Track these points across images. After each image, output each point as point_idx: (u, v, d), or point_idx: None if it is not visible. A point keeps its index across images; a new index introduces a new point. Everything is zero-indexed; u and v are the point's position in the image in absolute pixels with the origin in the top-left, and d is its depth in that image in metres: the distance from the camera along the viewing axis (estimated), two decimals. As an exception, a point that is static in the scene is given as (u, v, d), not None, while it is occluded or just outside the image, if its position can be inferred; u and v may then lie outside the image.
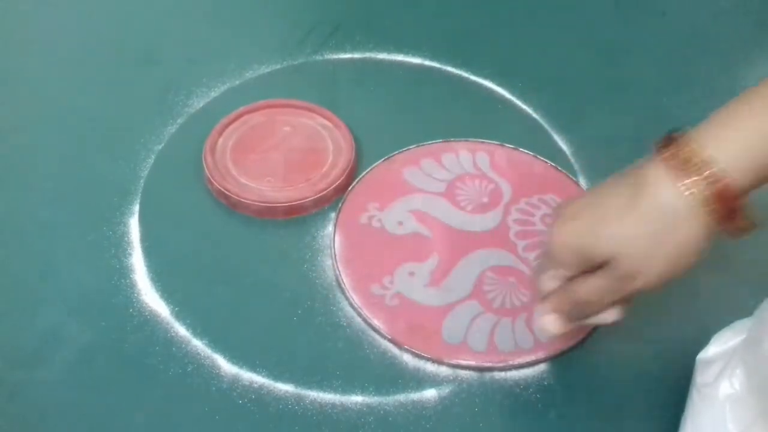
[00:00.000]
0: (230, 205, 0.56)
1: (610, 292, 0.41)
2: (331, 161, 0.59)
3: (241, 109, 0.62)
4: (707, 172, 0.37)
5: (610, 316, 0.42)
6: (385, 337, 0.49)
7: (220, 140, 0.60)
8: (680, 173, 0.38)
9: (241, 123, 0.61)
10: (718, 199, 0.37)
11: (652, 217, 0.38)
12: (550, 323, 0.43)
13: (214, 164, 0.57)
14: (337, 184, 0.57)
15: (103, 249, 0.54)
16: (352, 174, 0.59)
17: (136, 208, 0.56)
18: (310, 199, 0.56)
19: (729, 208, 0.38)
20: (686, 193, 0.37)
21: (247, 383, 0.47)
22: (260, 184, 0.57)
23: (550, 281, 0.43)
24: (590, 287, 0.41)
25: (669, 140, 0.39)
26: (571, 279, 0.42)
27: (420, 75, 0.69)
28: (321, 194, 0.56)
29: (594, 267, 0.40)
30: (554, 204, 0.58)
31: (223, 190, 0.56)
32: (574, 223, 0.41)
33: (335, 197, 0.58)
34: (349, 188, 0.58)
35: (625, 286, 0.40)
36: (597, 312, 0.42)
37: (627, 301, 0.42)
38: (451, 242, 0.55)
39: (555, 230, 0.41)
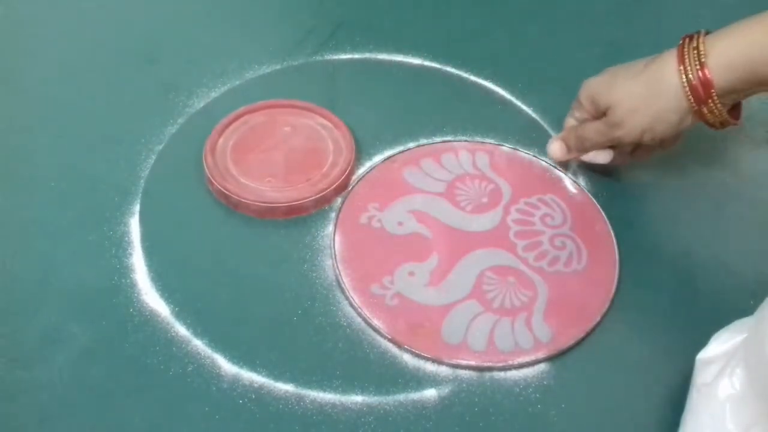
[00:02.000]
0: (231, 206, 0.56)
1: (600, 134, 0.54)
2: (332, 161, 0.59)
3: (242, 109, 0.62)
4: (697, 62, 0.47)
5: (601, 156, 0.56)
6: (385, 337, 0.49)
7: (221, 140, 0.60)
8: (683, 59, 0.48)
9: (242, 123, 0.61)
10: (695, 85, 0.48)
11: (649, 83, 0.50)
12: (555, 146, 0.58)
13: (214, 164, 0.57)
14: (337, 184, 0.57)
15: (103, 249, 0.54)
16: (351, 174, 0.59)
17: (137, 208, 0.57)
18: (310, 199, 0.56)
19: (703, 96, 0.48)
20: (680, 74, 0.48)
21: (247, 383, 0.47)
22: (261, 185, 0.57)
23: (570, 120, 0.58)
24: (590, 127, 0.55)
25: (691, 35, 0.49)
26: (583, 122, 0.56)
27: (420, 75, 0.69)
28: (321, 194, 0.56)
29: (600, 114, 0.54)
30: (554, 204, 0.58)
31: (223, 190, 0.56)
32: (599, 77, 0.54)
33: (335, 197, 0.58)
34: (349, 188, 0.58)
35: (613, 131, 0.53)
36: (591, 149, 0.56)
37: (620, 154, 0.57)
38: (450, 242, 0.55)
39: (586, 81, 0.55)
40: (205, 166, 0.57)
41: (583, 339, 0.50)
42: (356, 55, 0.71)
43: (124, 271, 0.52)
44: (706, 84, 0.47)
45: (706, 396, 0.42)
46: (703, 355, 0.45)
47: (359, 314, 0.50)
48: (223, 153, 0.59)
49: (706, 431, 0.41)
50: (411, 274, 0.53)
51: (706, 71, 0.47)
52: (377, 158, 0.61)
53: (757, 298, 0.43)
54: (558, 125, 0.64)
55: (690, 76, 0.48)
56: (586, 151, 0.57)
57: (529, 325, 0.50)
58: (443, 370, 0.48)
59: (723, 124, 0.51)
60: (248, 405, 0.46)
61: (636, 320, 0.51)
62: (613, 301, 0.52)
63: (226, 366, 0.47)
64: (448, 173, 0.60)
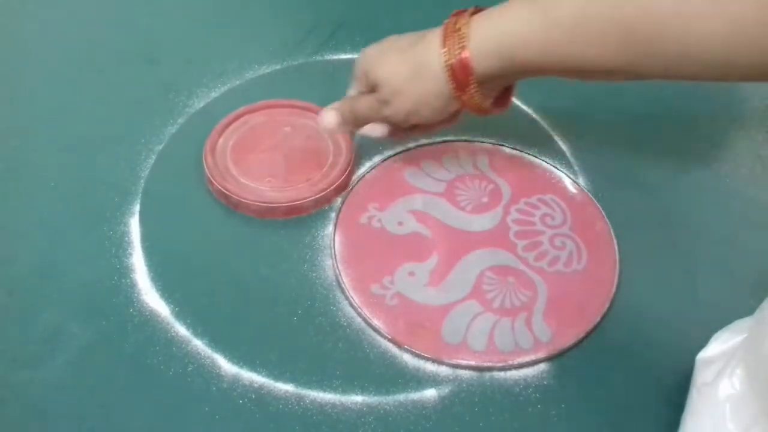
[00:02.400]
0: (231, 206, 0.56)
1: (372, 110, 0.51)
2: (331, 161, 0.59)
3: (242, 109, 0.62)
4: (458, 46, 0.44)
5: (374, 130, 0.53)
6: (385, 337, 0.49)
7: (221, 140, 0.60)
8: (446, 40, 0.45)
9: (242, 123, 0.61)
10: (456, 70, 0.45)
11: (413, 64, 0.47)
12: (329, 116, 0.53)
13: (214, 164, 0.57)
14: (337, 184, 0.57)
15: (103, 249, 0.54)
16: (351, 174, 0.59)
17: (137, 208, 0.57)
18: (310, 199, 0.56)
19: (463, 81, 0.45)
20: (442, 56, 0.45)
21: (247, 383, 0.47)
22: (261, 185, 0.57)
23: (351, 91, 0.55)
24: (362, 101, 0.51)
25: (459, 13, 0.46)
26: (360, 94, 0.53)
27: (420, 75, 0.69)
28: (321, 194, 0.56)
29: (372, 89, 0.50)
30: (554, 204, 0.58)
31: (223, 190, 0.56)
32: (373, 48, 0.51)
33: (335, 197, 0.58)
34: (349, 188, 0.58)
35: (382, 109, 0.50)
36: (364, 123, 0.52)
37: (397, 130, 0.53)
38: (450, 242, 0.55)
39: (363, 50, 0.51)
40: (205, 166, 0.57)
41: (583, 339, 0.50)
42: (356, 55, 0.70)
43: (124, 271, 0.52)
44: (466, 70, 0.44)
45: (707, 396, 0.42)
46: (703, 355, 0.45)
47: (359, 314, 0.50)
48: (223, 153, 0.59)
49: (707, 431, 0.41)
50: (411, 274, 0.53)
51: (466, 56, 0.44)
52: (377, 158, 0.61)
53: (757, 298, 0.43)
54: (559, 125, 0.65)
55: (452, 60, 0.44)
56: (359, 125, 0.53)
57: (529, 325, 0.50)
58: (443, 370, 0.48)
59: (484, 112, 0.48)
60: (248, 405, 0.46)
61: (636, 320, 0.51)
62: (613, 301, 0.52)
63: (226, 366, 0.47)
64: (447, 173, 0.60)
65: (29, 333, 0.49)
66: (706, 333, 0.46)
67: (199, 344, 0.49)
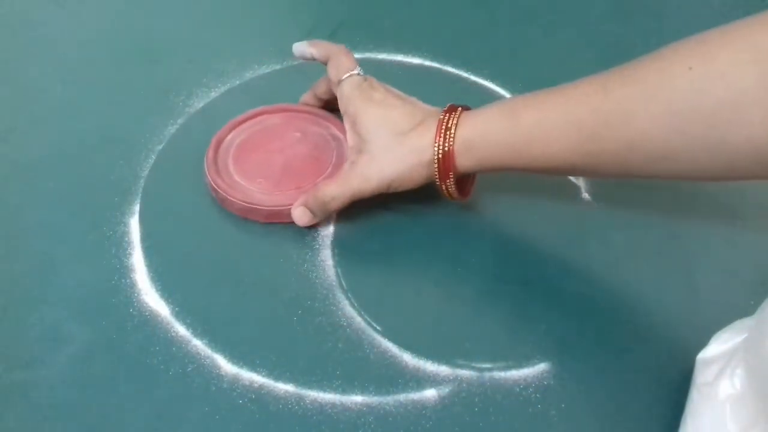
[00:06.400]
0: (219, 201, 0.56)
1: (343, 192, 0.53)
2: (329, 173, 0.57)
3: (259, 108, 0.62)
4: (448, 142, 0.50)
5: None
6: (385, 337, 0.49)
7: (229, 136, 0.60)
8: (440, 131, 0.50)
9: (256, 122, 0.61)
10: (442, 162, 0.50)
11: (411, 150, 0.51)
12: (299, 215, 0.54)
13: (214, 158, 0.58)
14: None
15: (103, 249, 0.54)
16: None
17: (137, 207, 0.57)
18: (290, 206, 0.55)
19: (445, 173, 0.50)
20: (434, 145, 0.50)
21: (247, 383, 0.47)
22: (251, 185, 0.56)
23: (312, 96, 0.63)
24: (327, 186, 0.53)
25: (452, 109, 0.51)
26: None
27: (420, 75, 0.69)
28: None
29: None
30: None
31: (213, 184, 0.56)
32: (373, 115, 0.53)
33: None
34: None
35: (356, 182, 0.52)
36: (337, 208, 0.54)
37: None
38: (451, 242, 0.55)
39: (360, 107, 0.54)
40: (205, 159, 0.57)
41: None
42: (356, 55, 0.70)
43: (123, 271, 0.52)
44: (448, 164, 0.50)
45: (707, 396, 0.42)
46: (703, 355, 0.45)
47: (359, 314, 0.50)
48: (227, 149, 0.59)
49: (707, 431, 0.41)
50: (411, 274, 0.53)
51: (452, 152, 0.49)
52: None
53: (758, 298, 0.43)
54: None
55: (440, 155, 0.50)
56: (329, 212, 0.54)
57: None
58: (443, 370, 0.48)
59: (452, 198, 0.53)
60: (248, 405, 0.46)
61: (636, 320, 0.51)
62: (612, 301, 0.51)
63: (226, 366, 0.47)
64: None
65: (29, 333, 0.49)
66: (707, 333, 0.45)
67: (198, 344, 0.48)
